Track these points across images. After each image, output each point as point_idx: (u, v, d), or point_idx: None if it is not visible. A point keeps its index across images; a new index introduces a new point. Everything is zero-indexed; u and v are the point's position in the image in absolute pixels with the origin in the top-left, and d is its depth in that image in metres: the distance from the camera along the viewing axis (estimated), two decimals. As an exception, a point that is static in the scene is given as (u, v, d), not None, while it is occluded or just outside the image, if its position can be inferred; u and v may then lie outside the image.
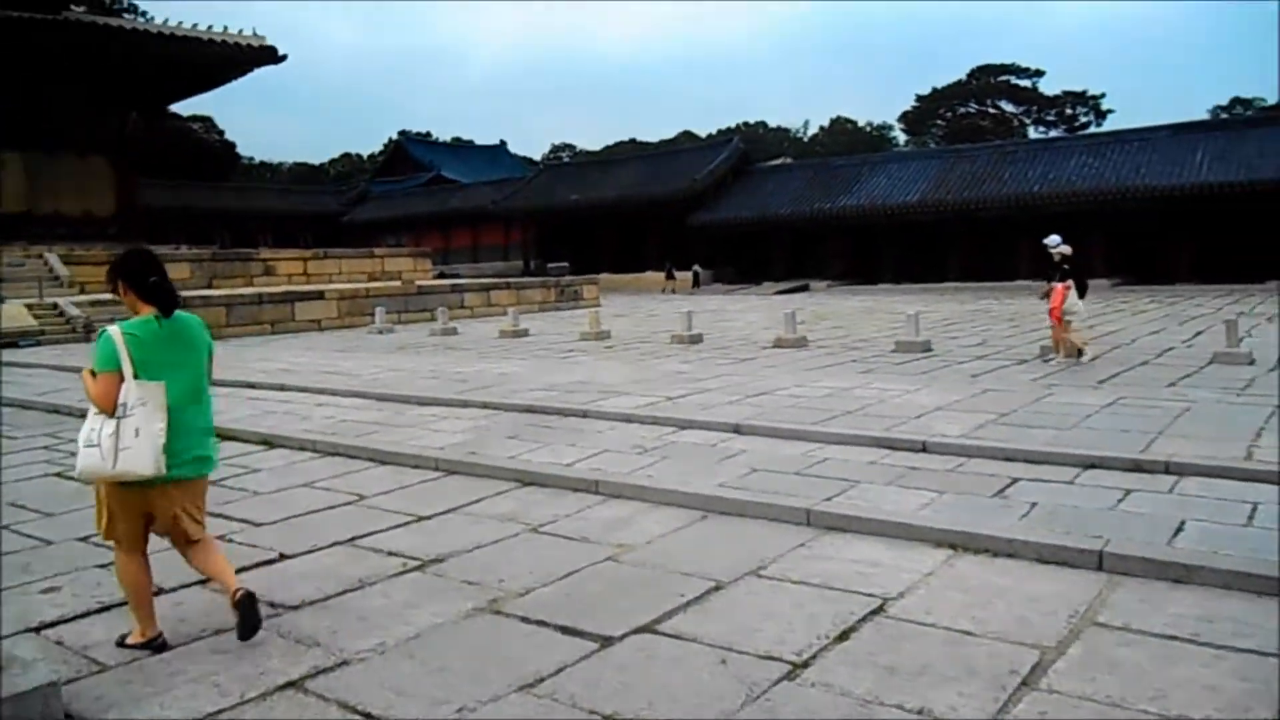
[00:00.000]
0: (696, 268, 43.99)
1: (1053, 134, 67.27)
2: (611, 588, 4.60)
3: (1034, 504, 5.57)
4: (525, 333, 19.93)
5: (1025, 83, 75.02)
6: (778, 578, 4.65)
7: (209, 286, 25.57)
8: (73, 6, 32.43)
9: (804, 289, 39.88)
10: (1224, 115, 61.51)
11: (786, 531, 5.37)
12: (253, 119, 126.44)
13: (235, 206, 54.80)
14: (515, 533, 5.63)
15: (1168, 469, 6.08)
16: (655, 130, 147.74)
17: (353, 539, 5.63)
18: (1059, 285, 12.65)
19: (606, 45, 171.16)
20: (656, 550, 5.18)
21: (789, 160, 56.65)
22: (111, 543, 4.12)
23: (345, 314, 24.08)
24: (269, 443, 8.65)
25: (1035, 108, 75.32)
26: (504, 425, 8.72)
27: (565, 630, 4.08)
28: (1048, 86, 75.15)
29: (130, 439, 3.73)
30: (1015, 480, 6.11)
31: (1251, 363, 11.91)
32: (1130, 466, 6.18)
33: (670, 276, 43.60)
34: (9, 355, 17.36)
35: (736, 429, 7.97)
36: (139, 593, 4.05)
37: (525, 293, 28.85)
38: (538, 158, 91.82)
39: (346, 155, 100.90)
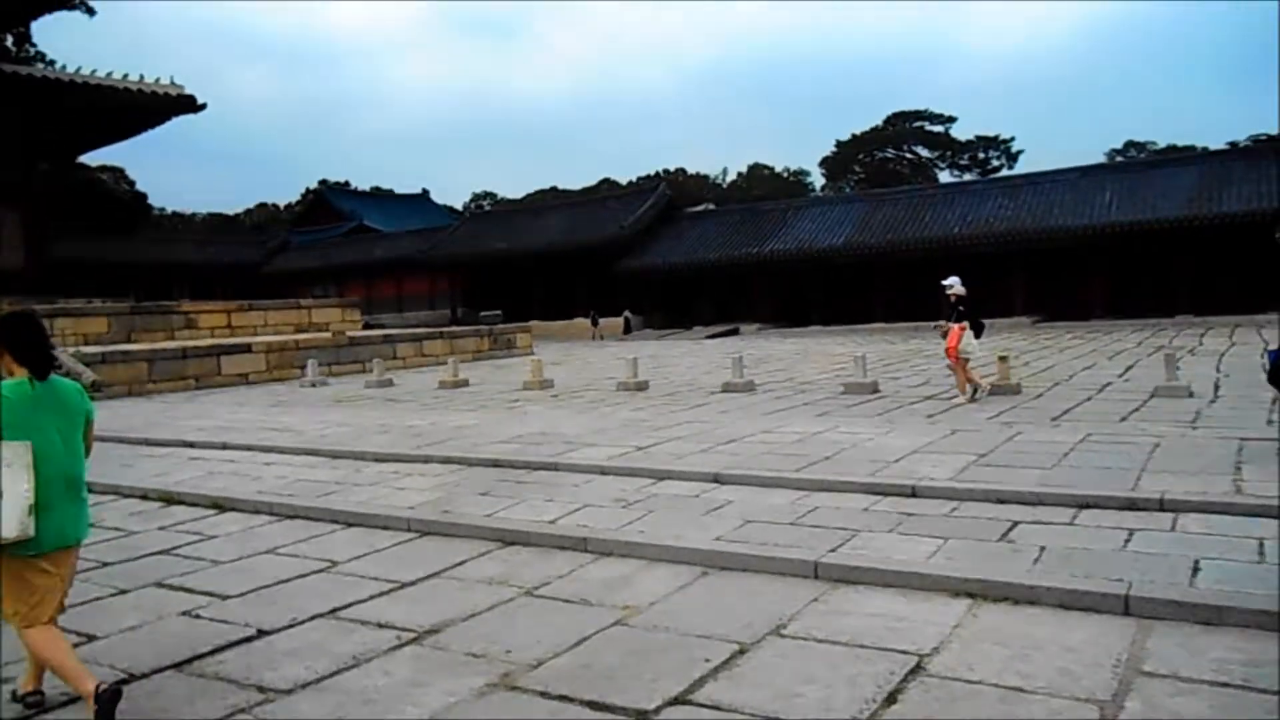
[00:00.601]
0: (627, 313, 44.02)
1: (967, 177, 69.56)
2: (630, 655, 4.35)
3: (1042, 548, 5.50)
4: (466, 383, 19.53)
5: (939, 128, 77.67)
6: (802, 636, 4.45)
7: (128, 340, 24.54)
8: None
9: (734, 332, 40.17)
10: (1119, 158, 64.43)
11: (796, 586, 5.19)
12: (164, 169, 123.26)
13: (149, 258, 53.11)
14: (509, 597, 5.33)
15: (1162, 506, 6.09)
16: (576, 178, 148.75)
17: (334, 610, 5.27)
18: (954, 326, 12.90)
19: (524, 94, 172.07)
20: (665, 611, 4.94)
21: (711, 206, 57.35)
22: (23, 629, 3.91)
23: (274, 367, 23.31)
24: (220, 506, 8.18)
25: (949, 152, 77.96)
26: (473, 481, 8.40)
27: (594, 706, 3.82)
28: (960, 131, 77.94)
29: None
30: (1015, 523, 6.05)
31: (1191, 395, 12.22)
32: (1125, 505, 6.18)
33: (595, 323, 43.51)
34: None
35: (716, 478, 7.79)
36: (74, 671, 3.84)
37: (459, 342, 28.38)
38: (459, 206, 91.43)
39: (263, 205, 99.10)
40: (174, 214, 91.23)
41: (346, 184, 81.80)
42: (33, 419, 3.85)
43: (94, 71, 32.22)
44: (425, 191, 76.56)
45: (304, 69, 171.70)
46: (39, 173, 35.06)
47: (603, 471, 8.39)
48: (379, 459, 9.72)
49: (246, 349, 23.06)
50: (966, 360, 12.89)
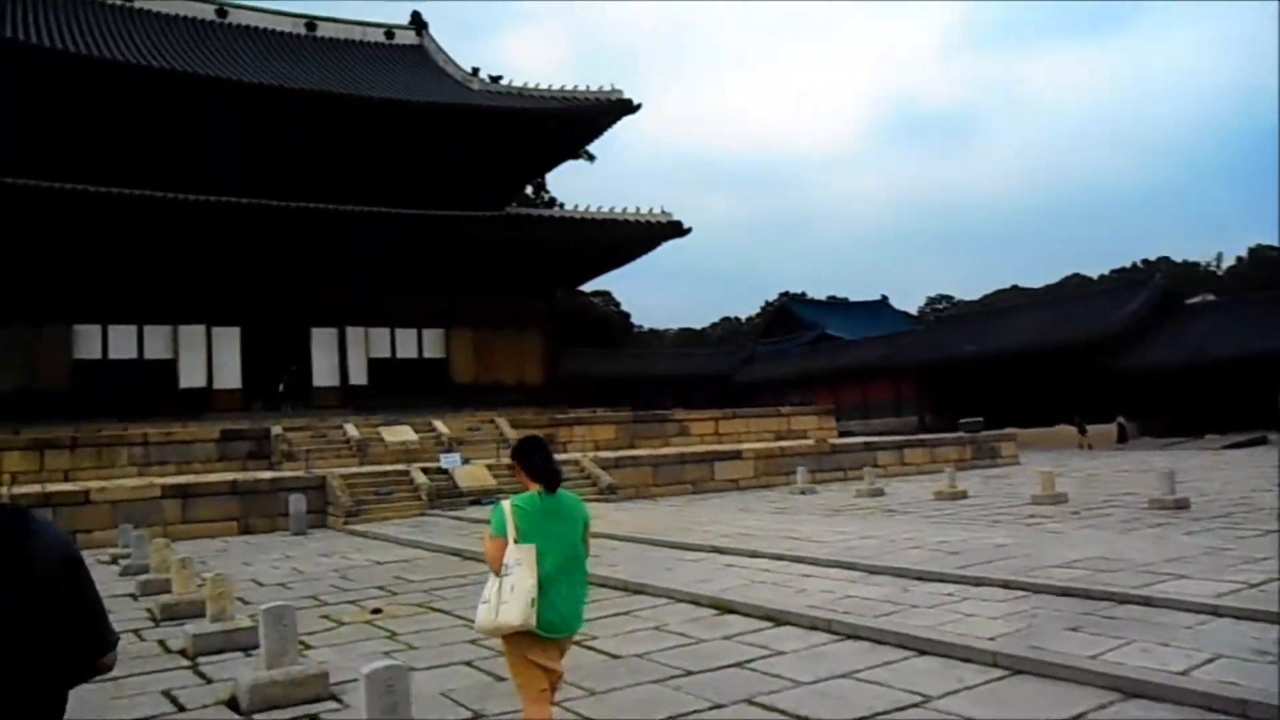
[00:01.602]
0: (1121, 420, 39.55)
1: None
2: None
3: None
4: (964, 494, 18.36)
5: None
6: None
7: (631, 446, 26.72)
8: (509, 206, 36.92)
9: (1261, 441, 34.20)
10: None
11: None
12: (640, 290, 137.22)
13: (634, 371, 58.45)
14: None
15: None
16: (1037, 275, 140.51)
17: (962, 759, 4.65)
18: None
19: (974, 192, 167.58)
20: None
21: (1210, 296, 50.37)
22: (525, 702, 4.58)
23: (761, 473, 23.92)
24: (774, 619, 8.02)
25: None
26: (1049, 612, 7.43)
27: None
28: None
29: (508, 594, 4.31)
30: None
31: None
32: None
33: (1081, 430, 39.56)
34: (473, 511, 18.84)
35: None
36: None
37: (939, 450, 27.20)
38: (914, 311, 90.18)
39: (726, 319, 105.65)
40: (649, 330, 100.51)
41: (804, 294, 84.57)
42: (541, 526, 4.43)
43: (599, 208, 36.63)
44: (884, 298, 76.55)
45: (759, 190, 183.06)
46: (554, 300, 40.31)
47: (1216, 612, 6.98)
48: (921, 577, 9.08)
49: (737, 455, 23.94)
50: None
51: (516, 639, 4.41)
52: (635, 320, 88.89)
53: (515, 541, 4.38)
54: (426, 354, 34.85)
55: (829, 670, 6.48)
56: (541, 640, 4.38)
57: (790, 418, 31.42)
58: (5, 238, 27.05)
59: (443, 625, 8.83)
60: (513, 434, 25.59)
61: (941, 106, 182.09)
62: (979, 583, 8.60)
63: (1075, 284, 78.75)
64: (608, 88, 38.12)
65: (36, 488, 18.89)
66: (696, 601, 8.97)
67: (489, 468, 21.34)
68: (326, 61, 37.44)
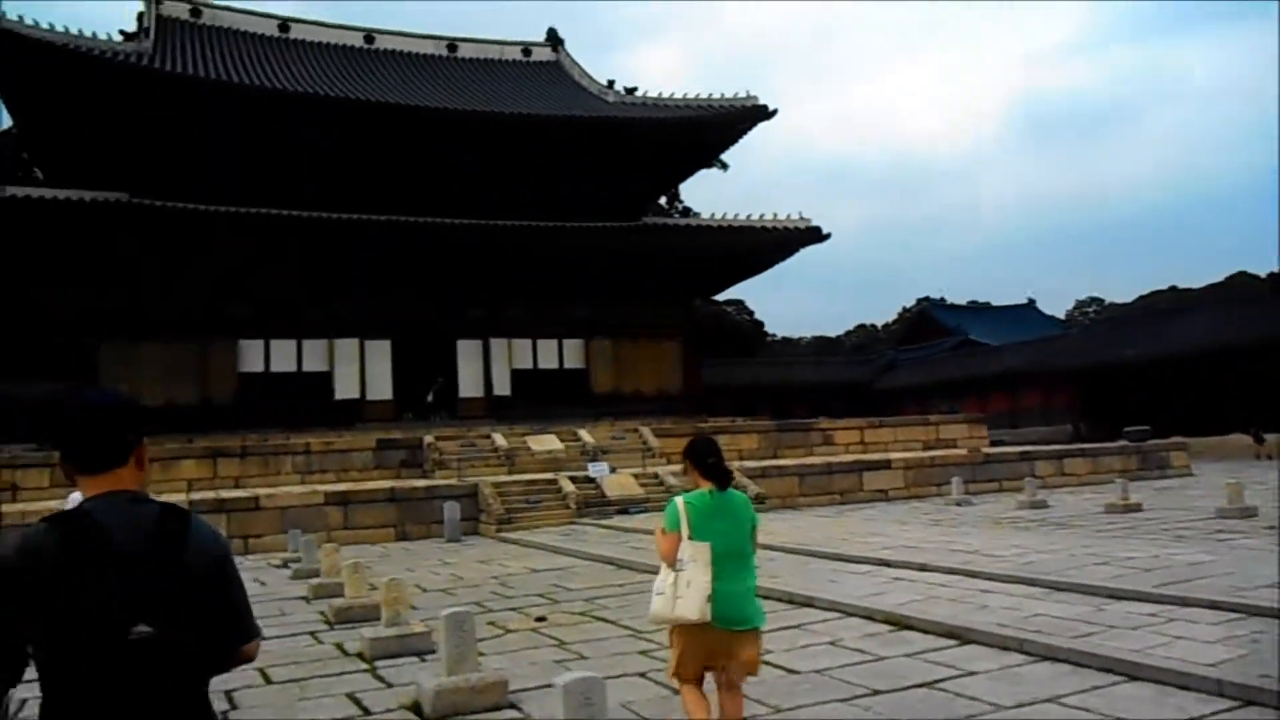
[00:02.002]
0: (1303, 428, 36.56)
1: None
2: None
3: None
4: (1138, 507, 17.24)
5: None
6: None
7: (774, 456, 26.31)
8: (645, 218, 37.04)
9: None
10: None
11: None
12: (773, 298, 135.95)
13: (769, 379, 57.80)
14: None
15: None
16: (1197, 275, 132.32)
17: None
18: None
19: (1122, 191, 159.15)
20: None
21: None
22: (677, 681, 4.94)
23: (911, 484, 23.13)
24: (957, 636, 7.62)
25: None
26: (1274, 637, 6.79)
27: None
28: None
29: (684, 589, 4.55)
30: None
31: None
32: None
33: (1259, 440, 36.75)
34: (621, 520, 18.85)
35: None
36: None
37: (1102, 460, 25.73)
38: (1061, 315, 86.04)
39: (861, 326, 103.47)
40: (783, 339, 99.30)
41: (943, 300, 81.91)
42: (712, 524, 4.68)
43: (735, 216, 36.34)
44: (1031, 301, 73.42)
45: (891, 195, 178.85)
46: (692, 309, 40.23)
47: None
48: (1115, 596, 8.48)
49: (886, 465, 23.25)
50: None
51: (689, 630, 4.67)
52: (768, 329, 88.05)
53: (689, 538, 4.61)
54: (567, 364, 35.26)
55: (1029, 694, 6.07)
56: (715, 632, 4.60)
57: (939, 426, 30.32)
58: (182, 260, 28.78)
59: (609, 635, 8.76)
60: (657, 443, 25.58)
61: (1082, 102, 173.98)
62: (1184, 603, 7.95)
63: (1241, 282, 73.58)
64: (742, 94, 37.87)
65: (211, 494, 19.92)
66: (870, 616, 8.63)
67: (635, 477, 21.35)
68: (467, 81, 38.49)
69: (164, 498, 2.61)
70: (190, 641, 2.12)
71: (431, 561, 15.37)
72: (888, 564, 11.13)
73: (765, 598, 9.49)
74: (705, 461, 4.82)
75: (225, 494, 19.63)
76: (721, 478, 4.80)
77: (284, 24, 38.89)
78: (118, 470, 2.25)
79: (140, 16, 34.33)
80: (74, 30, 29.50)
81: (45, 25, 28.38)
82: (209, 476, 22.50)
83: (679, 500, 4.79)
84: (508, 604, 10.73)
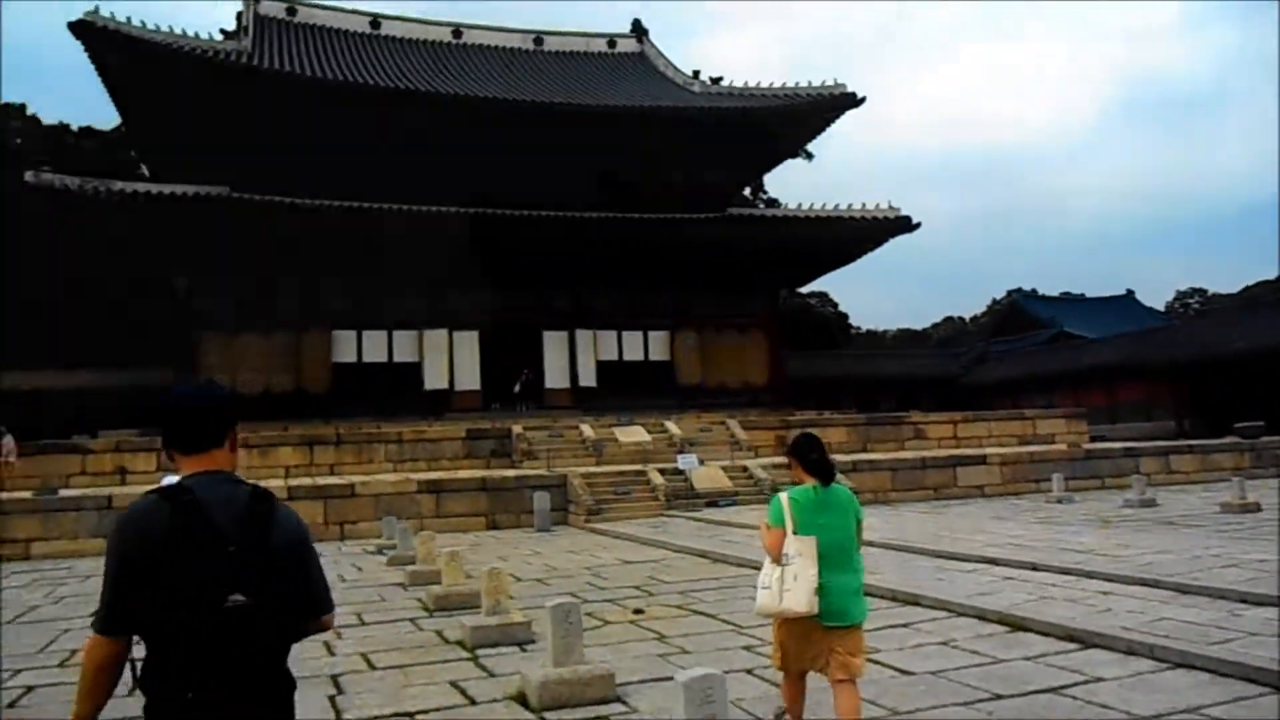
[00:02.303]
0: None
1: None
2: None
3: None
4: (1256, 507, 16.38)
5: None
6: None
7: (864, 450, 25.80)
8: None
9: None
10: None
11: None
12: (856, 290, 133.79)
13: (855, 372, 56.86)
14: None
15: None
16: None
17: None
18: None
19: (1224, 178, 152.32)
20: None
21: None
22: (781, 672, 5.15)
23: (1008, 480, 22.44)
24: (1079, 640, 7.25)
25: None
26: None
27: None
28: None
29: (790, 583, 4.63)
30: None
31: None
32: None
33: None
34: (710, 513, 18.68)
35: None
36: (794, 711, 5.12)
37: (1212, 457, 24.59)
38: (1161, 307, 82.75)
39: (949, 319, 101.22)
40: (868, 331, 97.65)
41: (1035, 291, 79.44)
42: (818, 518, 4.75)
43: (823, 206, 35.71)
44: (1130, 292, 70.79)
45: (980, 184, 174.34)
46: (778, 301, 39.73)
47: None
48: (1250, 600, 7.99)
49: (981, 460, 22.60)
50: None
51: (793, 623, 4.76)
52: (852, 321, 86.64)
53: (794, 533, 4.69)
54: (652, 356, 35.19)
55: (1168, 704, 5.71)
56: (821, 626, 4.67)
57: (1035, 421, 29.37)
58: (279, 252, 29.48)
59: (709, 629, 8.60)
60: (744, 436, 25.32)
61: (1184, 85, 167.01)
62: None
63: (1357, 272, 69.75)
64: (829, 82, 37.21)
65: (308, 480, 20.38)
66: (982, 616, 8.30)
67: (724, 470, 21.13)
68: (554, 73, 38.65)
69: (264, 483, 2.88)
70: (277, 611, 2.36)
71: (523, 551, 15.42)
72: (994, 562, 10.73)
73: (869, 594, 9.16)
74: (809, 457, 4.92)
75: (322, 480, 20.06)
76: (826, 473, 4.89)
77: (375, 20, 39.58)
78: (214, 451, 2.55)
79: (239, 16, 35.31)
80: (176, 30, 30.52)
81: (151, 26, 29.40)
82: (305, 463, 23.04)
83: (783, 495, 4.87)
84: (603, 595, 10.65)
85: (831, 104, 35.85)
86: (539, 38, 42.36)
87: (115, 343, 36.51)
